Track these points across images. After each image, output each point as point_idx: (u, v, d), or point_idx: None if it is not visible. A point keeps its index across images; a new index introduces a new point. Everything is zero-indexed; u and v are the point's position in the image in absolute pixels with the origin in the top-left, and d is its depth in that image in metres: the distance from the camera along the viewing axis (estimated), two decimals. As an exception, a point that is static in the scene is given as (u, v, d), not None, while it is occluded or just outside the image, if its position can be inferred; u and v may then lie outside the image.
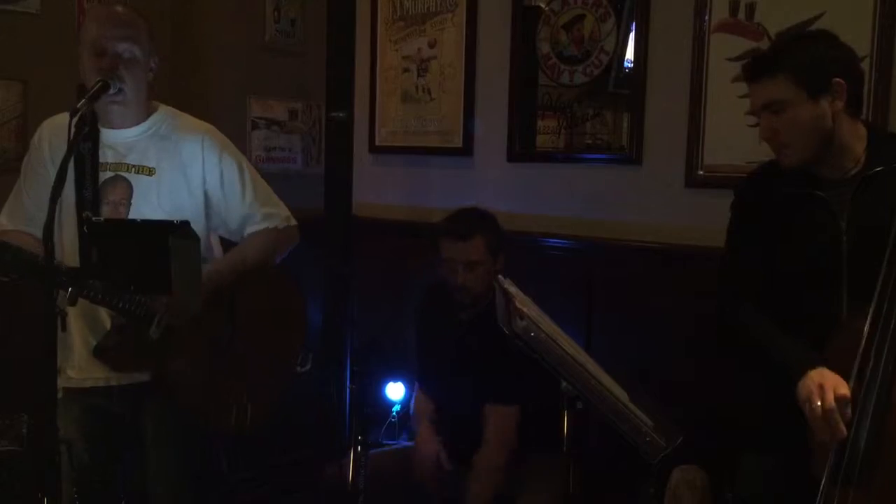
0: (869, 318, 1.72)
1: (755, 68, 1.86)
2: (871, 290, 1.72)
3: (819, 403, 1.68)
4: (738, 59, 2.72)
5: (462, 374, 2.58)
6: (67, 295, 1.89)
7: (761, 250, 1.94)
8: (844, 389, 1.68)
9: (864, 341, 1.71)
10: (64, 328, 1.80)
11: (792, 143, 1.84)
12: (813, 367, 1.74)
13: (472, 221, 2.59)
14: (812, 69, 1.80)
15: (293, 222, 2.33)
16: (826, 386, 1.69)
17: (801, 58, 1.82)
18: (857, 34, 2.40)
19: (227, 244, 2.34)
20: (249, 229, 2.25)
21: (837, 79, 1.80)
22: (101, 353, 2.07)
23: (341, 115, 3.19)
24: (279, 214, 2.30)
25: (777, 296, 1.91)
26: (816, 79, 1.80)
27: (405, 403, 3.41)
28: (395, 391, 3.42)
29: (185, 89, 3.23)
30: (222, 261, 2.24)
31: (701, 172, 2.82)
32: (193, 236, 1.90)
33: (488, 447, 2.50)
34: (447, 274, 2.58)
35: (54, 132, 2.12)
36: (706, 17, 2.78)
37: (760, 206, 1.97)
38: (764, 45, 2.67)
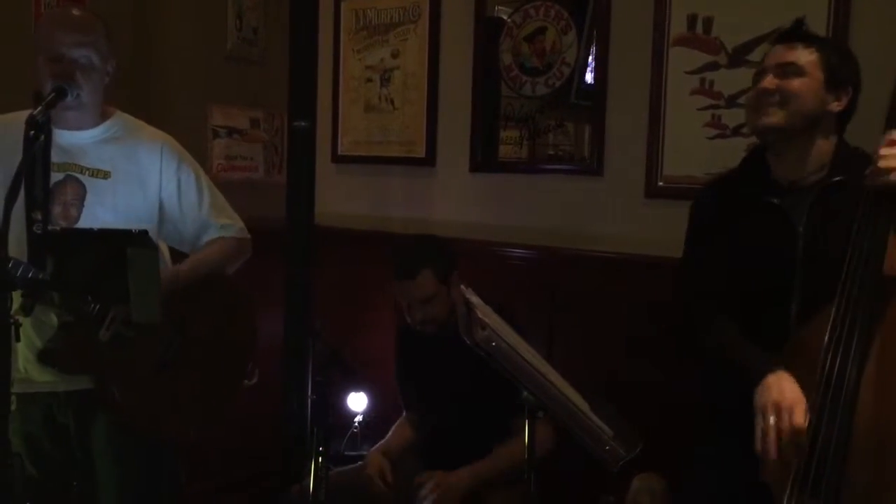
0: (828, 332, 1.70)
1: (796, 33, 1.93)
2: (823, 299, 1.73)
3: (772, 422, 1.68)
4: (695, 72, 2.78)
5: (464, 387, 2.50)
6: (21, 305, 1.85)
7: (718, 256, 1.96)
8: (800, 417, 1.67)
9: (827, 353, 1.68)
10: (18, 339, 1.76)
11: (786, 105, 1.86)
12: (772, 370, 1.75)
13: (414, 257, 2.56)
14: (840, 67, 1.90)
15: (247, 235, 2.32)
16: (783, 407, 1.68)
17: (837, 52, 1.94)
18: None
19: (177, 255, 2.31)
20: (204, 238, 2.24)
21: (850, 87, 1.91)
22: (47, 355, 2.01)
23: (304, 124, 3.16)
24: (234, 225, 2.29)
25: (732, 301, 1.92)
26: (839, 76, 1.90)
27: (367, 414, 3.39)
28: (357, 402, 3.40)
29: (146, 97, 3.19)
30: (181, 265, 2.22)
31: (661, 183, 2.87)
32: (151, 245, 1.88)
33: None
34: (407, 313, 2.58)
35: (3, 131, 2.03)
36: (665, 31, 2.83)
37: (718, 212, 2.00)
38: (721, 59, 2.73)
